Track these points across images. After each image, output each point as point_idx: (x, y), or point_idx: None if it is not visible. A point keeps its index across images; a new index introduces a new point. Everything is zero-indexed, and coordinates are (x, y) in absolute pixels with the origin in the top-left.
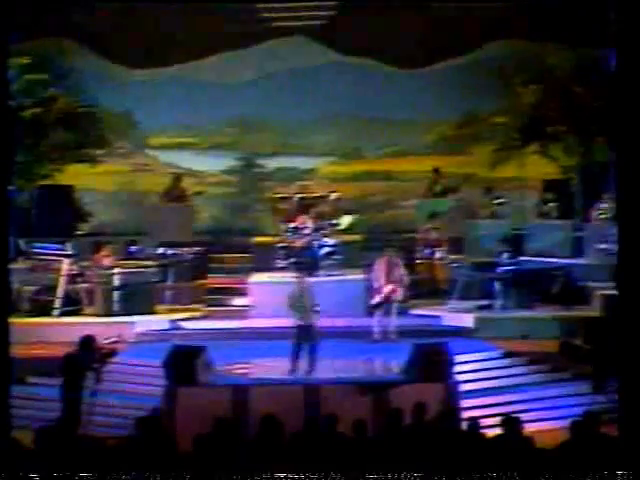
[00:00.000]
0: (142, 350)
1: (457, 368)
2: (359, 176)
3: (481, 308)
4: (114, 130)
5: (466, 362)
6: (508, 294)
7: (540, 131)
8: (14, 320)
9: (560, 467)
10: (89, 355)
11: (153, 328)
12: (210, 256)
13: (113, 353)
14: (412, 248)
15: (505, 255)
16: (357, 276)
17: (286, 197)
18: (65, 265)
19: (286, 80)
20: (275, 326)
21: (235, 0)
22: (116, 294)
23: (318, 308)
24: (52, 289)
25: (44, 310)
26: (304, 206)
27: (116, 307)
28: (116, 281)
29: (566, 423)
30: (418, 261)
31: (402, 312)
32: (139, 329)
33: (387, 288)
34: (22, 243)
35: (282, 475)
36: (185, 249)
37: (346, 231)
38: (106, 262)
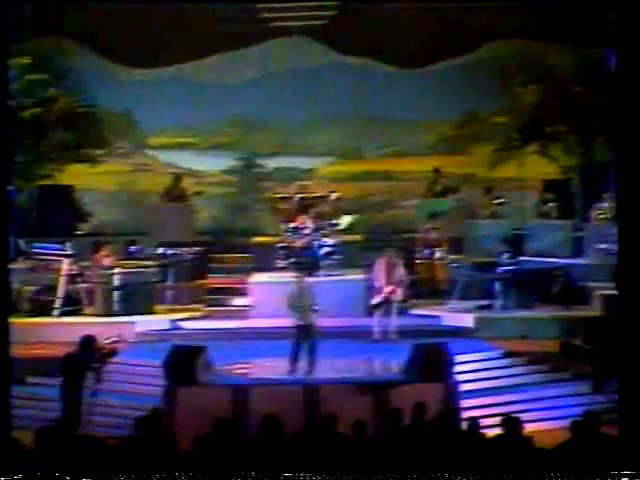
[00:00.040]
0: (142, 350)
1: (457, 368)
2: (359, 176)
3: (481, 308)
4: (114, 130)
5: (466, 362)
6: (508, 294)
7: (540, 131)
8: (14, 320)
9: (560, 467)
10: (89, 355)
11: (153, 328)
12: (210, 256)
13: (113, 353)
14: (412, 248)
15: (505, 255)
16: (357, 276)
17: (286, 197)
18: (65, 265)
19: (286, 80)
20: (275, 326)
21: (235, 0)
22: (116, 294)
23: (317, 307)
24: (52, 289)
25: (44, 310)
26: (304, 206)
27: (116, 307)
28: (116, 281)
29: (566, 423)
30: (418, 261)
31: (402, 312)
32: (139, 329)
33: (387, 288)
34: (22, 243)
35: (282, 475)
36: (185, 249)
37: (346, 231)
38: (106, 262)
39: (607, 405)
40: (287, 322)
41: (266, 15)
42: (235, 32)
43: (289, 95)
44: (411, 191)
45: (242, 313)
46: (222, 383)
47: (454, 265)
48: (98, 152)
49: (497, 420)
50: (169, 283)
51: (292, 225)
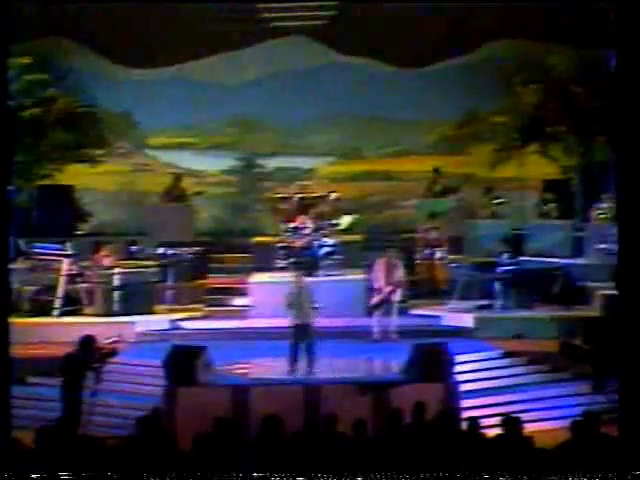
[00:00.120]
0: (142, 350)
1: (457, 368)
2: (359, 176)
3: (481, 308)
4: (114, 130)
5: (466, 362)
6: (508, 294)
7: (540, 131)
8: (14, 320)
9: (560, 467)
10: (89, 355)
11: (153, 328)
12: (210, 256)
13: (113, 353)
14: (412, 248)
15: (505, 255)
16: (357, 276)
17: (286, 197)
18: (65, 265)
19: (286, 80)
20: (275, 326)
21: (235, 0)
22: (116, 294)
23: (317, 305)
24: (52, 289)
25: (44, 310)
26: (304, 206)
27: (116, 307)
28: (116, 281)
29: (566, 423)
30: (418, 261)
31: (402, 312)
32: (139, 329)
33: (386, 289)
34: (22, 243)
35: (282, 475)
36: (185, 249)
37: (346, 231)
38: (106, 262)
39: (607, 405)
40: (287, 322)
41: (266, 15)
42: (235, 32)
43: (289, 95)
44: (411, 191)
45: (242, 313)
46: (222, 383)
47: (454, 265)
48: (98, 152)
49: (497, 420)
50: (169, 283)
51: (292, 225)
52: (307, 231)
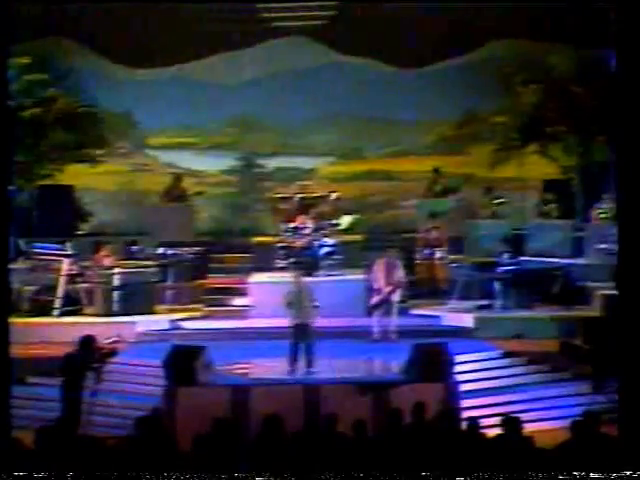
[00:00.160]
0: (142, 350)
1: (457, 368)
2: (359, 176)
3: (481, 308)
4: (114, 130)
5: (466, 362)
6: (508, 294)
7: (540, 131)
8: (14, 320)
9: (560, 467)
10: (89, 355)
11: (153, 328)
12: (210, 256)
13: (113, 353)
14: (412, 248)
15: (505, 255)
16: (357, 276)
17: (286, 197)
18: (65, 265)
19: (286, 80)
20: (275, 326)
21: (235, 0)
22: (116, 294)
23: (317, 303)
24: (52, 289)
25: (44, 310)
26: (304, 206)
27: (116, 307)
28: (116, 281)
29: (566, 423)
30: (418, 261)
31: (402, 312)
32: (139, 329)
33: (386, 289)
34: (22, 243)
35: (282, 475)
36: (185, 249)
37: (346, 231)
38: (106, 262)
39: (607, 405)
40: (287, 322)
41: (266, 15)
42: (235, 32)
43: (289, 95)
44: (411, 191)
45: (242, 313)
46: (222, 383)
47: (454, 265)
48: (98, 152)
49: (497, 420)
50: (169, 283)
51: (292, 225)
52: (307, 231)
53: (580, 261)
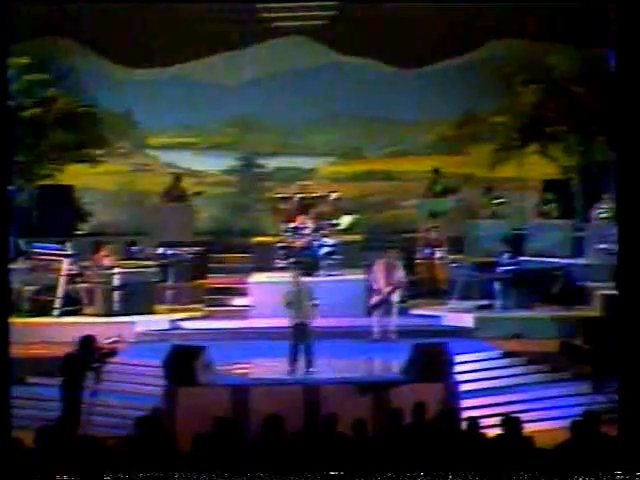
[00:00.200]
0: (142, 350)
1: (457, 368)
2: (359, 176)
3: (481, 308)
4: (114, 130)
5: (466, 362)
6: (508, 294)
7: (540, 131)
8: (14, 320)
9: (560, 467)
10: (89, 355)
11: (153, 328)
12: (210, 256)
13: (113, 353)
14: (412, 248)
15: (505, 255)
16: (357, 276)
17: (286, 197)
18: (65, 265)
19: (286, 80)
20: (275, 326)
21: (235, 0)
22: (116, 294)
23: (317, 302)
24: (52, 289)
25: (44, 310)
26: (304, 206)
27: (116, 307)
28: (116, 281)
29: (566, 423)
30: (418, 261)
31: (402, 312)
32: (139, 329)
33: (386, 289)
34: (22, 243)
35: (282, 475)
36: (185, 249)
37: (346, 231)
38: (106, 262)
39: (607, 405)
40: (287, 322)
41: (266, 15)
42: (235, 32)
43: (289, 95)
44: (411, 191)
45: (242, 313)
46: (222, 383)
47: (454, 265)
48: (98, 152)
49: (497, 420)
50: (169, 283)
51: (292, 225)
52: (307, 231)
53: (580, 261)
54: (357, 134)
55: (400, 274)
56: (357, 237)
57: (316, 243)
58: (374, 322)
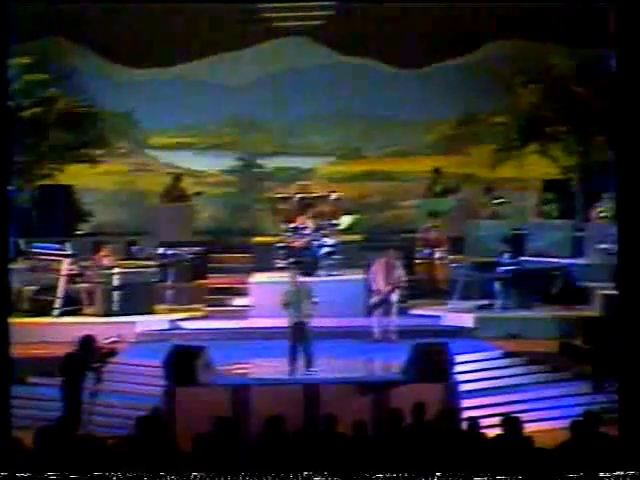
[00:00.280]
0: (142, 350)
1: (457, 368)
2: (359, 176)
3: (481, 308)
4: (114, 130)
5: (466, 362)
6: (508, 294)
7: (540, 131)
8: (14, 320)
9: (560, 467)
10: (89, 355)
11: (153, 328)
12: (210, 256)
13: (113, 353)
14: (412, 248)
15: (505, 255)
16: (357, 276)
17: (286, 197)
18: (65, 265)
19: (286, 80)
20: (275, 326)
21: (235, 0)
22: (116, 294)
23: (316, 301)
24: (52, 289)
25: (44, 310)
26: (304, 206)
27: (116, 307)
28: (116, 281)
29: (566, 423)
30: (418, 261)
31: (402, 312)
32: (139, 329)
33: (385, 289)
34: (22, 243)
35: (282, 475)
36: (185, 249)
37: (346, 231)
38: (106, 262)
39: (607, 405)
40: (287, 322)
41: (266, 15)
42: (235, 32)
43: (289, 95)
44: (411, 191)
45: (242, 313)
46: (222, 383)
47: (454, 265)
48: (98, 152)
49: (497, 420)
50: (169, 283)
51: (292, 225)
52: (307, 231)
53: (580, 261)
54: (357, 134)
55: (399, 273)
56: (357, 237)
57: (316, 243)
58: (374, 322)
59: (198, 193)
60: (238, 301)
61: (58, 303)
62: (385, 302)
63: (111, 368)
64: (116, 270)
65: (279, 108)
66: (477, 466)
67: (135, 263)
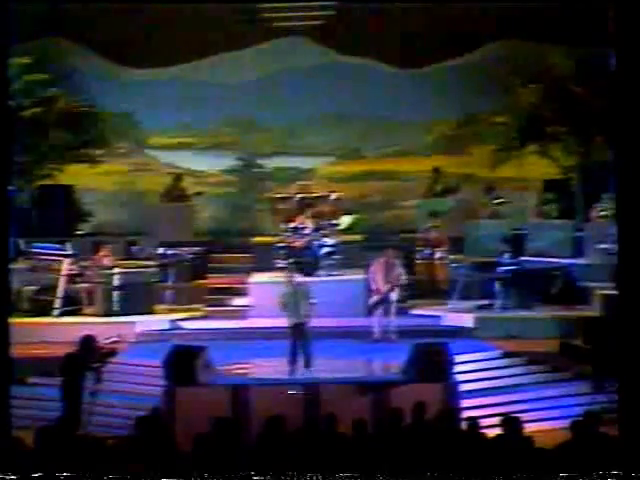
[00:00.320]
0: (142, 350)
1: (457, 368)
2: (359, 176)
3: (481, 308)
4: (114, 130)
5: (466, 362)
6: (508, 294)
7: (540, 131)
8: (14, 320)
9: (560, 467)
10: (89, 355)
11: (153, 328)
12: (210, 256)
13: (113, 353)
14: (412, 248)
15: (505, 255)
16: (357, 276)
17: (286, 197)
18: (65, 265)
19: (286, 80)
20: (275, 326)
21: (235, 0)
22: (116, 294)
23: (314, 301)
24: (52, 289)
25: (44, 310)
26: (304, 206)
27: (116, 307)
28: (116, 281)
29: (566, 423)
30: (418, 261)
31: (402, 312)
32: (139, 329)
33: (384, 288)
34: (22, 243)
35: (282, 475)
36: (185, 249)
37: (346, 231)
38: (106, 262)
39: (607, 405)
40: (286, 322)
41: (266, 15)
42: (235, 32)
43: (289, 95)
44: (411, 191)
45: (242, 313)
46: (222, 383)
47: (454, 265)
48: (98, 152)
49: (497, 420)
50: (169, 283)
51: (292, 225)
52: (307, 231)
53: (580, 261)
54: (357, 134)
55: (399, 272)
56: (357, 237)
57: (316, 243)
58: (374, 322)
59: (199, 193)
60: (238, 301)
61: (58, 303)
62: (385, 301)
63: (111, 368)
64: (116, 270)
65: (279, 108)
66: (477, 466)
67: (135, 263)
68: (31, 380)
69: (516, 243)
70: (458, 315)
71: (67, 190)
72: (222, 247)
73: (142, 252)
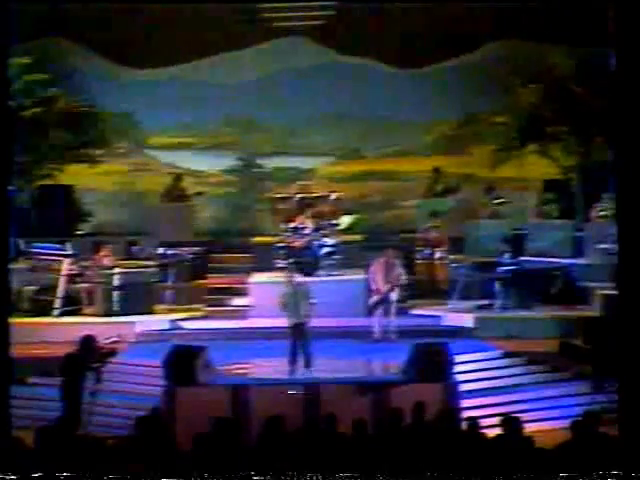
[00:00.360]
0: (142, 350)
1: (457, 368)
2: (359, 176)
3: (481, 308)
4: (114, 130)
5: (466, 362)
6: (508, 294)
7: (540, 131)
8: (14, 320)
9: (560, 467)
10: (89, 355)
11: (153, 328)
12: (210, 256)
13: (113, 353)
14: (412, 248)
15: (505, 255)
16: (357, 276)
17: (286, 197)
18: (65, 265)
19: (286, 80)
20: (275, 326)
21: (235, 0)
22: (116, 294)
23: (314, 301)
24: (52, 289)
25: (44, 310)
26: (304, 206)
27: (116, 307)
28: (116, 281)
29: (566, 423)
30: (418, 261)
31: (402, 312)
32: (139, 329)
33: (384, 288)
34: (22, 243)
35: (282, 475)
36: (185, 249)
37: (346, 231)
38: (106, 262)
39: (607, 405)
40: (286, 322)
41: (266, 15)
42: (235, 32)
43: (289, 95)
44: (411, 191)
45: (242, 313)
46: (222, 383)
47: (454, 265)
48: (98, 152)
49: (497, 420)
50: (169, 283)
51: (292, 225)
52: (307, 231)
53: (580, 261)
54: (357, 134)
55: (399, 272)
56: (357, 237)
57: (316, 243)
58: (374, 322)
59: (199, 193)
60: (238, 301)
61: (58, 303)
62: (385, 301)
63: (111, 368)
64: (116, 270)
65: (279, 108)
66: (477, 466)
67: (135, 263)
68: (31, 380)
69: (516, 243)
70: (458, 315)
71: (67, 190)
72: (222, 247)
73: (142, 252)
